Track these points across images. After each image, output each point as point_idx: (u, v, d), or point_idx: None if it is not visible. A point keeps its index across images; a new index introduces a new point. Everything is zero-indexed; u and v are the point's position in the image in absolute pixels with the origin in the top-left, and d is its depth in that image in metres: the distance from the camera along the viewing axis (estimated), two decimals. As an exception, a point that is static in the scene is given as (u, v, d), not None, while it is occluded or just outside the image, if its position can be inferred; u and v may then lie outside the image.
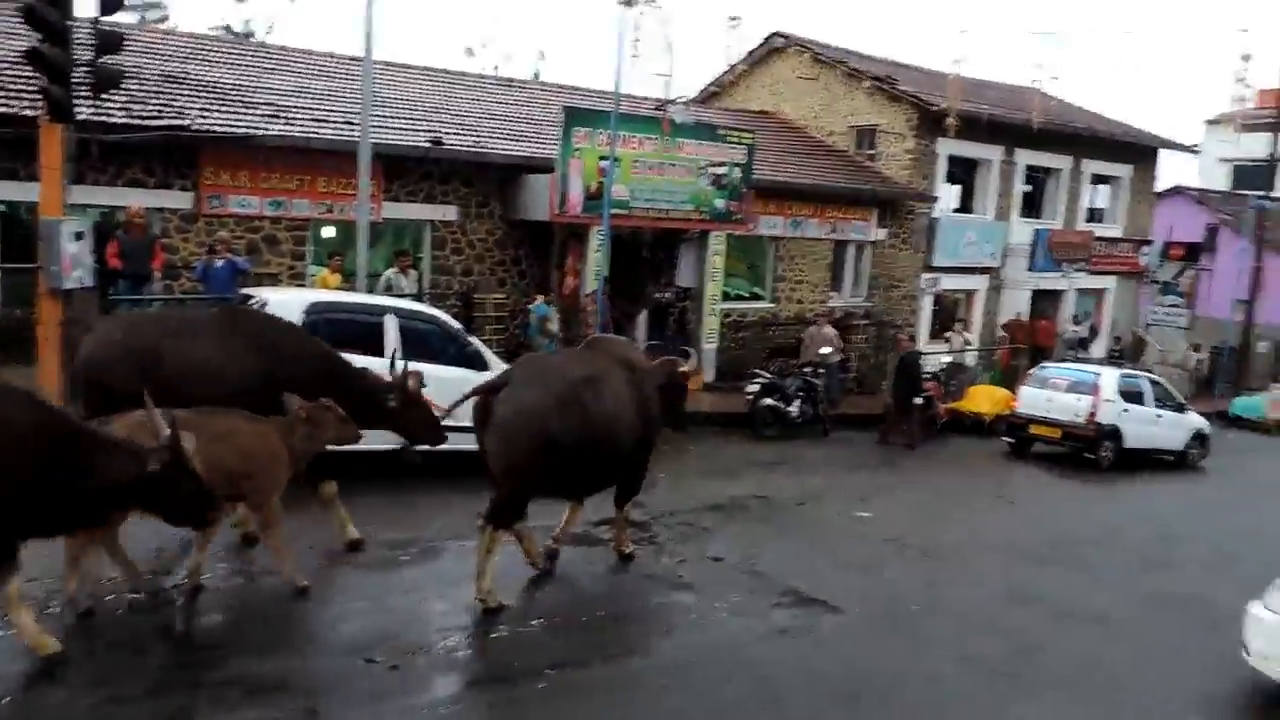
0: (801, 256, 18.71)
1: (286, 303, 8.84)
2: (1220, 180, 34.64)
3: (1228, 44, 67.32)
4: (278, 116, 13.42)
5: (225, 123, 12.66)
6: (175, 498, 5.03)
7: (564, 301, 14.59)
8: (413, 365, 7.48)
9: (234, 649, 5.55)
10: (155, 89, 13.01)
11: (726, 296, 17.12)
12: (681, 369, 7.85)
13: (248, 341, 7.09)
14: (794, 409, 14.25)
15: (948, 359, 18.48)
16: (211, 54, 15.51)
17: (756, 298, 18.42)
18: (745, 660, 6.15)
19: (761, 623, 6.84)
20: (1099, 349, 23.44)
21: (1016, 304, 22.06)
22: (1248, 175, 32.12)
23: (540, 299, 13.89)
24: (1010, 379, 18.71)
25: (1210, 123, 35.70)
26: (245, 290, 10.46)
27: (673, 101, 16.29)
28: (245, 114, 13.17)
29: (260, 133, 12.65)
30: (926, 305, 20.97)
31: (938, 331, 20.96)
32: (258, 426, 6.15)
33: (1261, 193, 24.44)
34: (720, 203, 15.82)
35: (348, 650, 5.70)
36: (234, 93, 13.80)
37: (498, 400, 6.42)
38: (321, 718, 4.94)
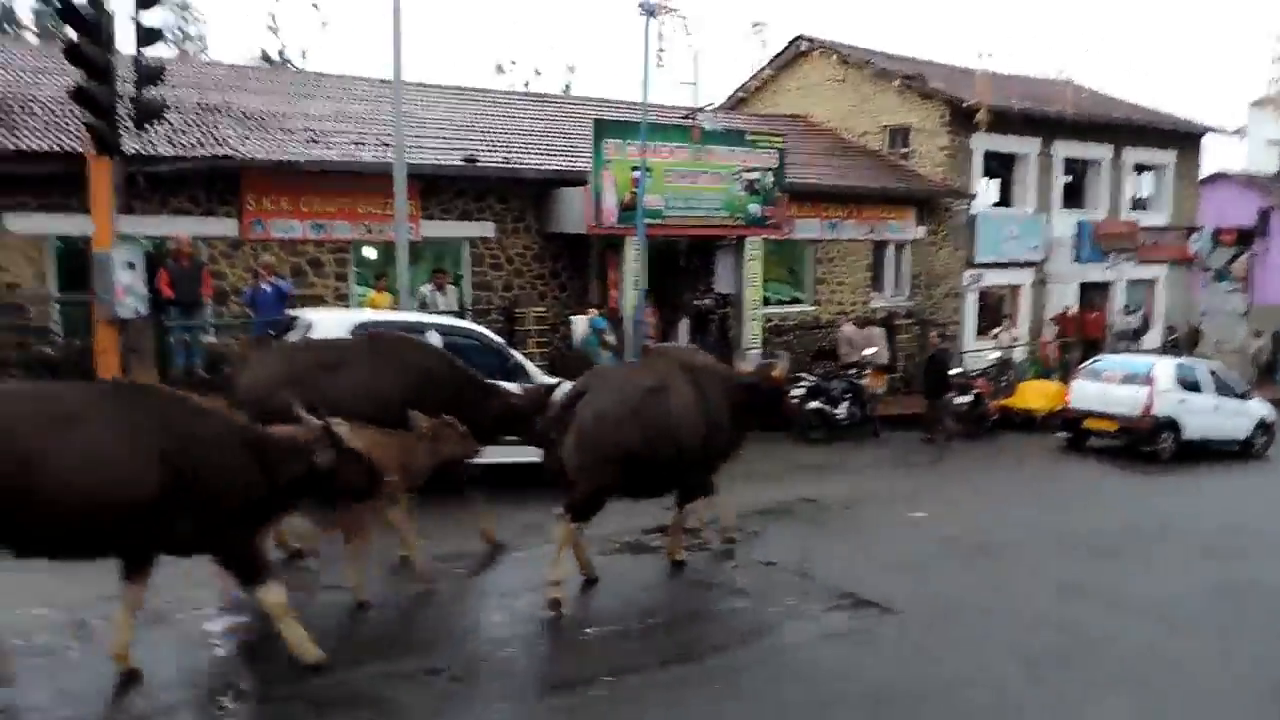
0: (841, 258, 18.57)
1: (332, 323, 8.97)
2: (1270, 162, 33.73)
3: (1270, 21, 65.72)
4: (315, 141, 13.65)
5: (265, 149, 12.90)
6: (341, 476, 5.52)
7: (610, 314, 14.60)
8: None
9: (299, 663, 5.59)
10: (196, 119, 13.32)
11: (767, 301, 17.02)
12: (774, 373, 7.97)
13: (397, 366, 7.43)
14: (840, 411, 14.14)
15: (995, 355, 18.20)
16: (249, 83, 15.83)
17: (798, 301, 18.31)
18: (801, 664, 6.07)
19: (816, 626, 6.76)
20: (1153, 339, 22.91)
21: (1064, 297, 21.64)
22: (1296, 156, 31.25)
23: (594, 311, 13.91)
24: (1055, 373, 18.39)
25: (1255, 104, 34.84)
26: (291, 312, 10.63)
27: (701, 109, 16.34)
28: (284, 140, 13.40)
29: (299, 158, 12.87)
30: (971, 302, 20.68)
31: (985, 328, 20.65)
32: (372, 438, 6.23)
33: (1312, 173, 23.77)
34: (754, 208, 15.75)
35: (411, 663, 5.72)
36: (272, 120, 14.06)
37: (578, 407, 6.71)
38: (385, 730, 4.96)
